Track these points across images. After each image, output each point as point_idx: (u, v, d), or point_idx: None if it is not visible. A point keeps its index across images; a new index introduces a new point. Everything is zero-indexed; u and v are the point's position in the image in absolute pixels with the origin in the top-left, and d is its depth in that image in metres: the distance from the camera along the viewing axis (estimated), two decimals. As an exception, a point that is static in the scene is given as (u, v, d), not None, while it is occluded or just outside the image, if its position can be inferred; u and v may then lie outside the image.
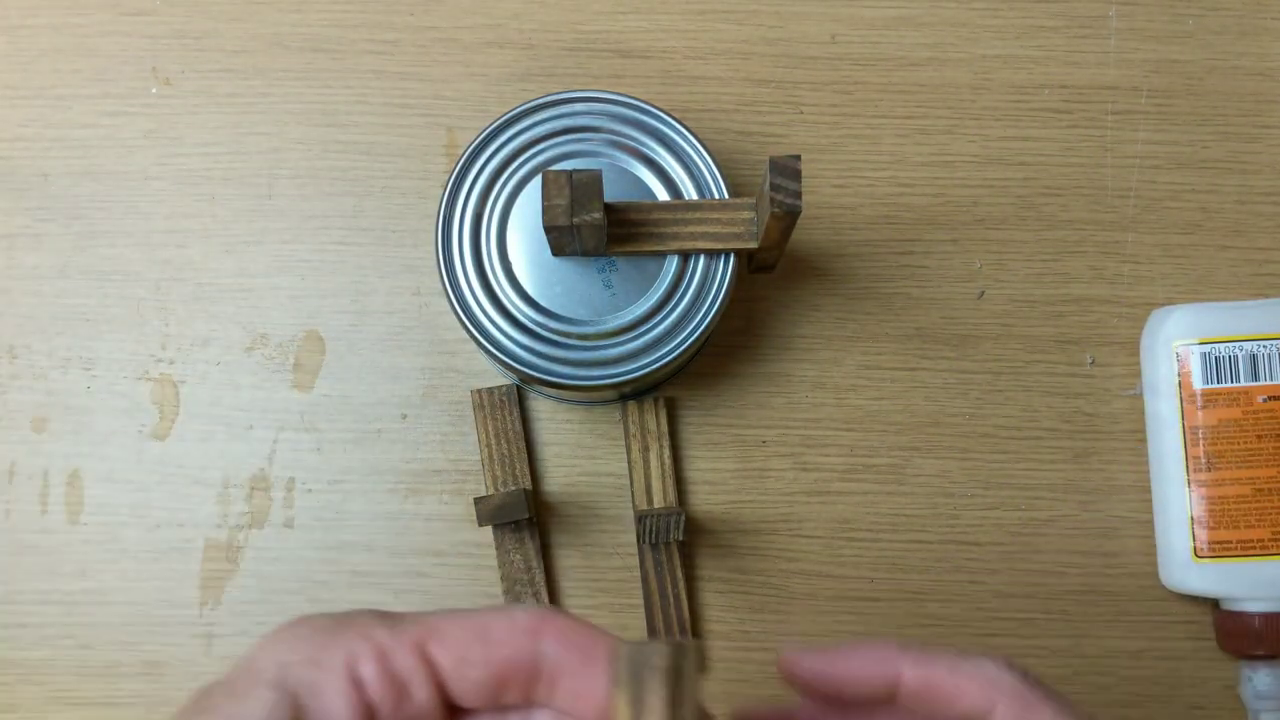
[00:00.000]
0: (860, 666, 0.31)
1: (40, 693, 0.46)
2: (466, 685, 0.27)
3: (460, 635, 0.26)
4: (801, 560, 0.47)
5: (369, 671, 0.26)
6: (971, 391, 0.48)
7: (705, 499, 0.47)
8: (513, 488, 0.43)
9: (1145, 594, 0.47)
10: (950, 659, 0.30)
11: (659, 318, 0.42)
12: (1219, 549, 0.44)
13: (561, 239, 0.40)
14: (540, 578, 0.46)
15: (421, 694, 0.26)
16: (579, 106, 0.43)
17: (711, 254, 0.42)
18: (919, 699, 0.30)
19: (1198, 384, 0.44)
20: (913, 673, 0.30)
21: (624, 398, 0.47)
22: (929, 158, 0.49)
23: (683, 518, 0.43)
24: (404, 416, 0.48)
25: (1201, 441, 0.44)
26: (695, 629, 0.47)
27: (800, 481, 0.47)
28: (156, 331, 0.48)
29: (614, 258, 0.42)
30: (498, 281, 0.42)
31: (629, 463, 0.47)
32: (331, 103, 0.49)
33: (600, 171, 0.38)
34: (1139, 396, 0.47)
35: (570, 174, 0.38)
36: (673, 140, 0.43)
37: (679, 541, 0.45)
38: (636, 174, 0.43)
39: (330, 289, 0.48)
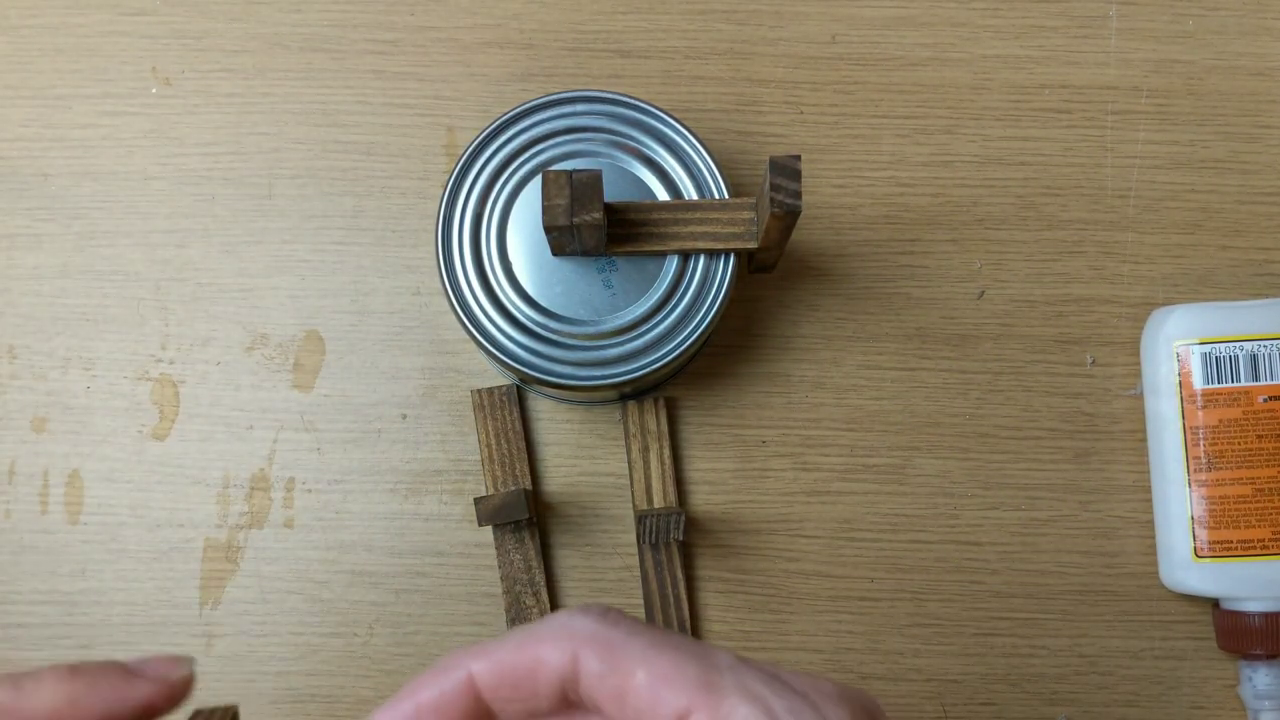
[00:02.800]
0: (426, 692, 0.26)
1: (40, 693, 0.46)
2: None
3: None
4: (801, 560, 0.47)
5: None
6: (971, 391, 0.48)
7: (705, 499, 0.47)
8: (513, 488, 0.43)
9: (1145, 594, 0.47)
10: (519, 631, 0.26)
11: (659, 318, 0.42)
12: (1219, 549, 0.44)
13: (561, 239, 0.40)
14: (540, 578, 0.46)
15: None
16: (579, 106, 0.43)
17: (711, 254, 0.42)
18: (504, 693, 0.26)
19: (1198, 384, 0.44)
20: (480, 667, 0.26)
21: (624, 398, 0.47)
22: (929, 158, 0.49)
23: (683, 518, 0.43)
24: (404, 416, 0.48)
25: (1202, 441, 0.44)
26: (695, 629, 0.47)
27: (800, 481, 0.47)
28: (156, 331, 0.48)
29: (614, 258, 0.42)
30: (498, 281, 0.42)
31: (629, 463, 0.47)
32: (331, 103, 0.49)
33: (600, 171, 0.38)
34: (1139, 396, 0.47)
35: (570, 174, 0.38)
36: (673, 140, 0.43)
37: (679, 541, 0.45)
38: (636, 174, 0.43)
39: (330, 289, 0.48)
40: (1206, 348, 0.45)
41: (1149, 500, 0.47)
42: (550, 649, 0.25)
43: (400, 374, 0.48)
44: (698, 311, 0.42)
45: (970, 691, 0.47)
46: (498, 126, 0.43)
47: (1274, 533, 0.44)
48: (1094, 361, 0.48)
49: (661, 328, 0.42)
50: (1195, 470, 0.44)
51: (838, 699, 0.25)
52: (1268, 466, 0.44)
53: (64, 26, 0.50)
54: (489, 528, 0.47)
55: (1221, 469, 0.44)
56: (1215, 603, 0.46)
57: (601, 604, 0.27)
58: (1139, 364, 0.47)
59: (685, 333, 0.42)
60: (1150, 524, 0.47)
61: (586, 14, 0.50)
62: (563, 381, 0.41)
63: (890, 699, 0.47)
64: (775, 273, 0.48)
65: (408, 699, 0.26)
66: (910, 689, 0.47)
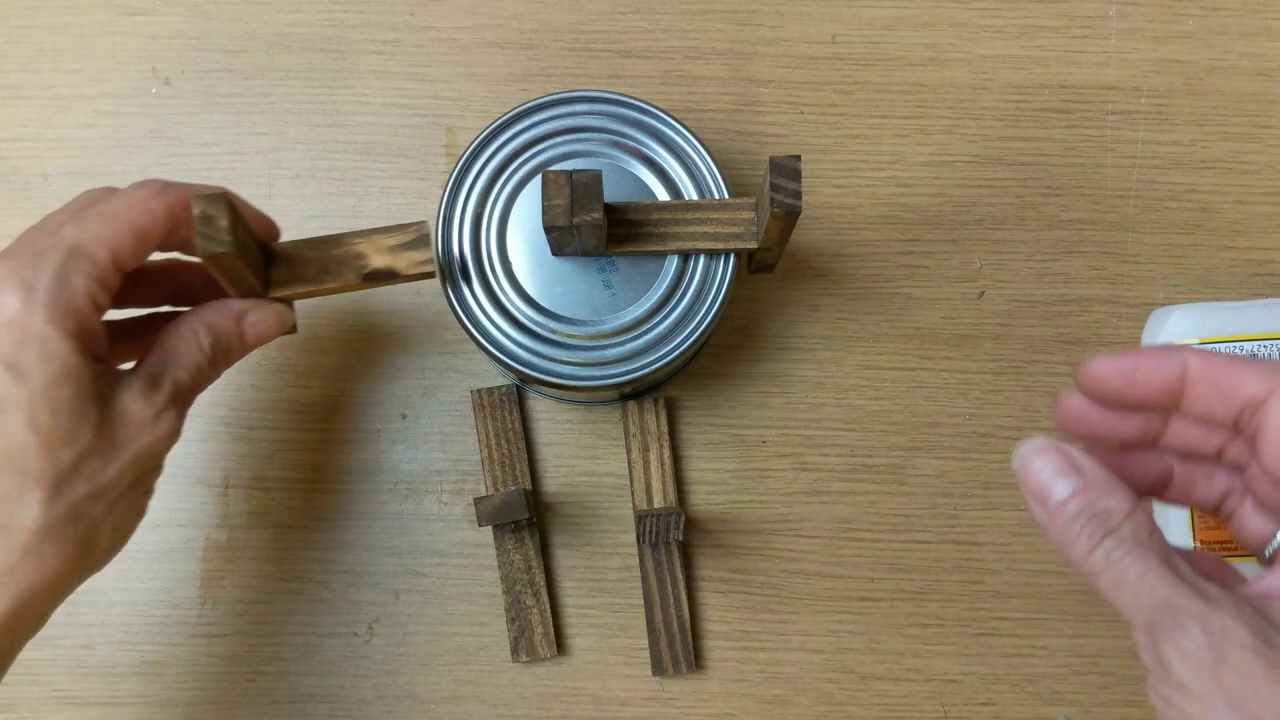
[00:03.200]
0: (1152, 362, 0.31)
1: (40, 692, 0.46)
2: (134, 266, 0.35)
3: (132, 243, 0.34)
4: (801, 560, 0.47)
5: (101, 299, 0.34)
6: (971, 391, 0.48)
7: (705, 499, 0.47)
8: (513, 488, 0.43)
9: (1145, 594, 0.47)
10: (1230, 355, 0.31)
11: (659, 318, 0.42)
12: (1219, 549, 0.44)
13: (561, 239, 0.40)
14: (540, 578, 0.46)
15: (116, 285, 0.35)
16: (579, 106, 0.43)
17: (711, 254, 0.42)
18: (1203, 388, 0.31)
19: (1198, 384, 0.44)
20: (1198, 364, 0.31)
21: (624, 398, 0.47)
22: (929, 158, 0.49)
23: (683, 518, 0.43)
24: (404, 416, 0.48)
25: (1201, 441, 0.44)
26: (695, 629, 0.47)
27: (800, 481, 0.47)
28: (156, 331, 0.48)
29: (614, 258, 0.42)
30: (498, 281, 0.42)
31: (629, 463, 0.47)
32: (331, 103, 0.49)
33: (600, 171, 0.38)
34: (1139, 396, 0.47)
35: (570, 174, 0.38)
36: (673, 140, 0.43)
37: (679, 541, 0.45)
38: (636, 174, 0.43)
39: (330, 289, 0.48)
40: (1206, 348, 0.44)
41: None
42: (1256, 379, 0.30)
43: (400, 374, 0.48)
44: (698, 311, 0.42)
45: (970, 691, 0.47)
46: (498, 126, 0.43)
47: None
48: (1094, 361, 0.48)
49: (661, 328, 0.42)
50: (1195, 470, 0.44)
51: None
52: (1268, 466, 0.44)
53: (64, 26, 0.50)
54: (489, 528, 0.47)
55: (1221, 469, 0.44)
56: (1215, 603, 0.45)
57: None
58: (1139, 364, 0.47)
59: (685, 333, 0.42)
60: (1150, 524, 0.47)
61: (586, 14, 0.50)
62: (563, 381, 0.41)
63: (890, 699, 0.47)
64: (775, 273, 0.48)
65: (1131, 359, 0.32)
66: (910, 689, 0.47)
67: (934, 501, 0.47)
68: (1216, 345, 0.44)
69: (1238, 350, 0.44)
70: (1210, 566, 0.32)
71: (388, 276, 0.39)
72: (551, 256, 0.42)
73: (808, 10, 0.50)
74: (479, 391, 0.47)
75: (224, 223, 0.34)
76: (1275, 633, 0.27)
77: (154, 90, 0.50)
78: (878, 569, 0.47)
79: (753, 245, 0.41)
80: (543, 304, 0.42)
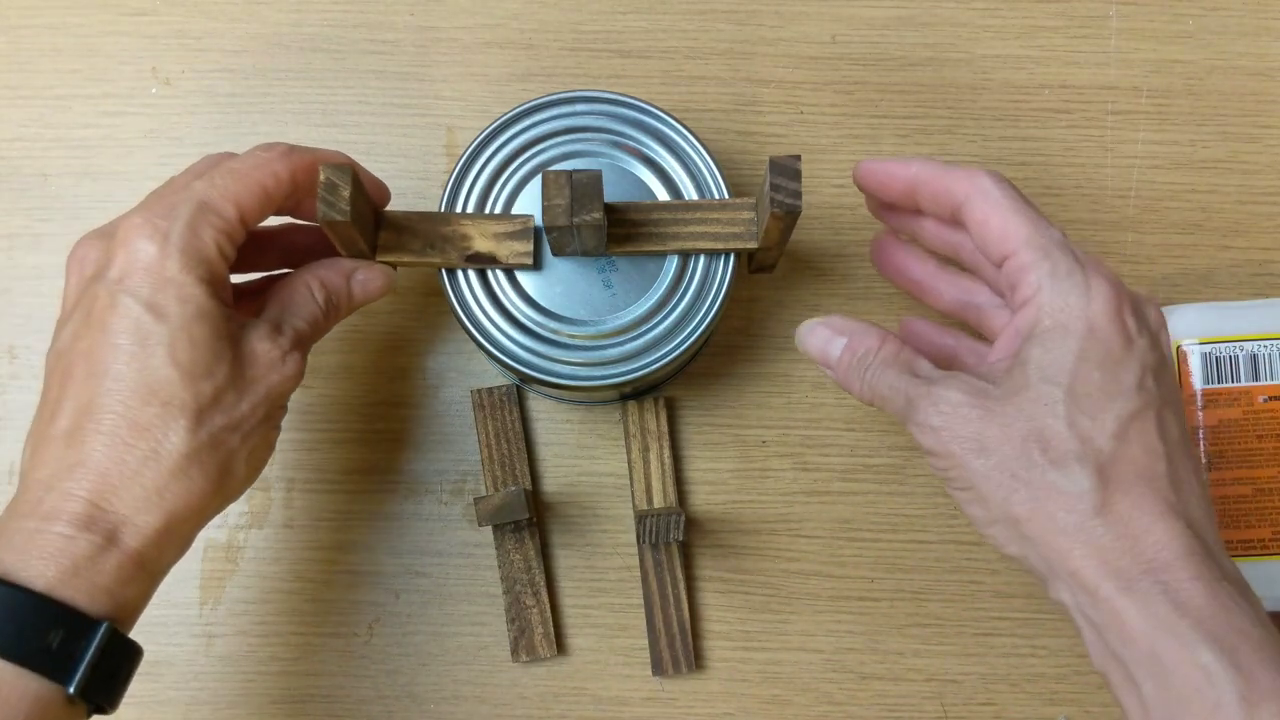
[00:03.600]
0: (893, 168, 0.39)
1: (40, 693, 0.46)
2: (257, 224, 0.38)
3: (256, 203, 0.37)
4: (801, 560, 0.47)
5: (229, 250, 0.37)
6: (971, 391, 0.48)
7: (705, 499, 0.47)
8: (513, 488, 0.43)
9: (1145, 594, 0.47)
10: (951, 165, 0.38)
11: (659, 318, 0.42)
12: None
13: (561, 239, 0.40)
14: (540, 578, 0.46)
15: (242, 241, 0.38)
16: (579, 106, 0.43)
17: (711, 254, 0.42)
18: (925, 193, 0.38)
19: (1198, 384, 0.44)
20: (921, 171, 0.38)
21: (624, 398, 0.47)
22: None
23: (683, 518, 0.43)
24: (404, 417, 0.48)
25: (1202, 442, 0.44)
26: (695, 629, 0.47)
27: (800, 481, 0.47)
28: (156, 331, 0.48)
29: (614, 258, 0.42)
30: (498, 281, 0.42)
31: (629, 463, 0.47)
32: (331, 103, 0.49)
33: (600, 171, 0.38)
34: (1139, 396, 0.47)
35: (570, 174, 0.38)
36: (673, 140, 0.43)
37: (679, 541, 0.45)
38: (636, 174, 0.43)
39: (330, 289, 0.48)
40: (1206, 348, 0.45)
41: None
42: (963, 183, 0.37)
43: (400, 374, 0.48)
44: (698, 311, 0.42)
45: (970, 691, 0.47)
46: (498, 126, 0.43)
47: (1274, 533, 0.44)
48: (1094, 361, 0.48)
49: (661, 328, 0.42)
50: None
51: (1105, 275, 0.35)
52: (1268, 466, 0.44)
53: (64, 26, 0.50)
54: (489, 528, 0.47)
55: (1222, 469, 0.44)
56: (1215, 603, 0.45)
57: (1005, 178, 0.37)
58: (1139, 364, 0.47)
59: (685, 333, 0.42)
60: (1150, 524, 0.47)
61: (586, 14, 0.50)
62: (563, 381, 0.41)
63: (890, 699, 0.47)
64: (775, 273, 0.48)
65: (880, 165, 0.40)
66: (910, 689, 0.47)
67: (934, 501, 0.47)
68: (1216, 345, 0.44)
69: (1238, 350, 0.44)
70: (951, 358, 0.42)
71: (488, 260, 0.41)
72: (552, 256, 0.42)
73: (808, 10, 0.50)
74: (479, 391, 0.47)
75: (346, 192, 0.36)
76: (989, 385, 0.35)
77: (154, 90, 0.50)
78: (878, 569, 0.47)
79: (753, 245, 0.41)
80: (543, 304, 0.42)
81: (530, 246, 0.41)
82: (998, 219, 0.36)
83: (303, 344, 0.39)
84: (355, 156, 0.49)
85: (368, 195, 0.40)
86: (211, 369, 0.35)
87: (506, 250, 0.41)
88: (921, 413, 0.35)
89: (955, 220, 0.38)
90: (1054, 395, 0.33)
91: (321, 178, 0.36)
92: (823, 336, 0.39)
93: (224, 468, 0.36)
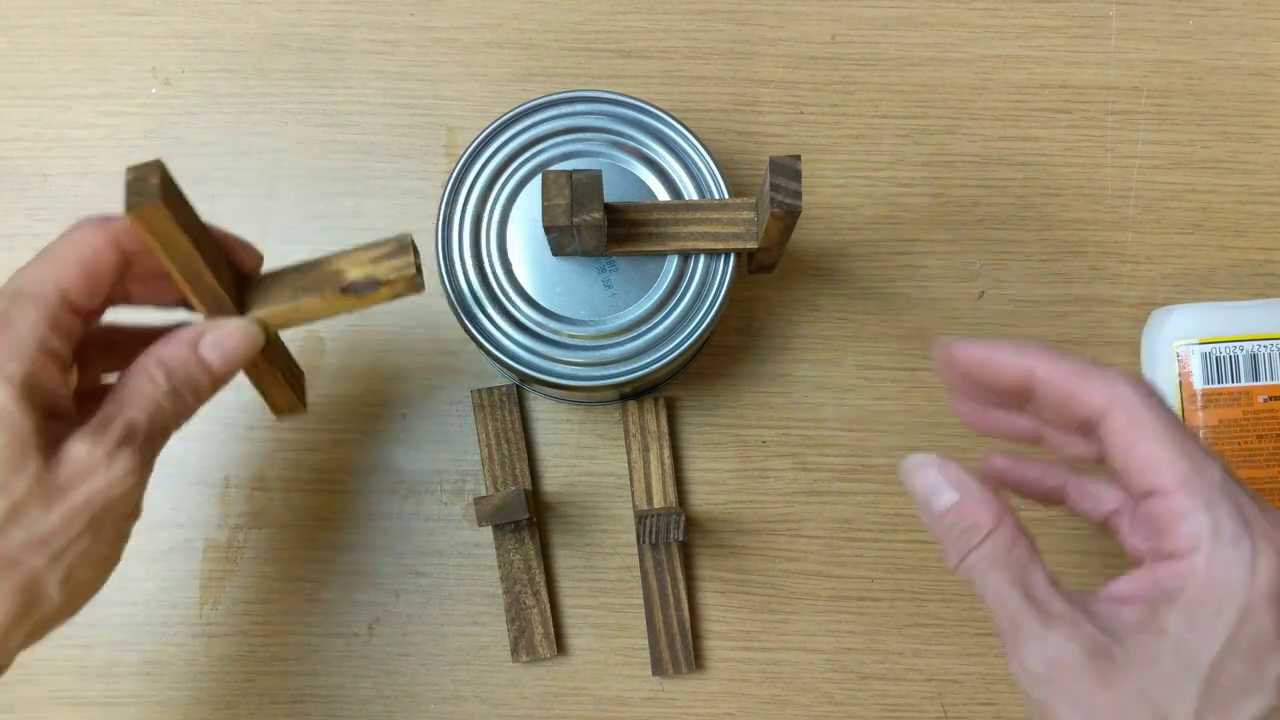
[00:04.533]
0: (1004, 357, 0.33)
1: (39, 692, 0.46)
2: (95, 305, 0.34)
3: (79, 278, 0.34)
4: (801, 560, 0.47)
5: (55, 344, 0.33)
6: (971, 391, 0.48)
7: (705, 499, 0.47)
8: (513, 488, 0.43)
9: (1145, 594, 0.47)
10: (1082, 361, 0.32)
11: (659, 318, 0.42)
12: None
13: (561, 239, 0.40)
14: (540, 578, 0.46)
15: (75, 329, 0.34)
16: (579, 106, 0.43)
17: (711, 254, 0.42)
18: (1049, 392, 0.32)
19: (1198, 384, 0.44)
20: (1045, 369, 0.32)
21: (624, 398, 0.47)
22: (929, 158, 0.49)
23: (683, 518, 0.43)
24: (404, 416, 0.48)
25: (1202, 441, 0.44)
26: (695, 629, 0.47)
27: (800, 481, 0.47)
28: (156, 331, 0.48)
29: (614, 258, 0.42)
30: (498, 281, 0.42)
31: (629, 463, 0.47)
32: (331, 103, 0.49)
33: (600, 171, 0.38)
34: (1139, 396, 0.47)
35: (570, 174, 0.38)
36: (673, 140, 0.43)
37: (679, 541, 0.45)
38: (636, 174, 0.43)
39: (330, 289, 0.48)
40: (1206, 348, 0.45)
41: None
42: (1098, 390, 0.31)
43: (400, 374, 0.48)
44: (698, 311, 0.42)
45: (970, 691, 0.47)
46: (498, 126, 0.43)
47: (1274, 533, 0.44)
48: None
49: (661, 328, 0.42)
50: (1195, 470, 0.44)
51: (1274, 544, 0.29)
52: (1268, 466, 0.44)
53: (64, 26, 0.50)
54: (489, 528, 0.46)
55: (1221, 469, 0.44)
56: (1215, 603, 0.45)
57: (1145, 382, 0.32)
58: (1139, 364, 0.47)
59: (685, 333, 0.42)
60: (1150, 524, 0.47)
61: (586, 14, 0.50)
62: (563, 381, 0.41)
63: (890, 699, 0.47)
64: (775, 273, 0.48)
65: (987, 351, 0.33)
66: (910, 689, 0.47)
67: (934, 501, 0.47)
68: (1216, 345, 0.44)
69: (1238, 350, 0.44)
70: (1057, 496, 0.36)
71: (368, 286, 0.36)
72: (551, 256, 0.42)
73: (808, 10, 0.50)
74: (479, 391, 0.47)
75: (155, 180, 0.32)
76: (1112, 641, 0.30)
77: (154, 90, 0.50)
78: (878, 569, 0.47)
79: (753, 245, 0.41)
80: (543, 304, 0.42)
81: (411, 260, 0.36)
82: (1147, 446, 0.30)
83: (136, 437, 0.33)
84: (355, 156, 0.49)
85: (202, 223, 0.35)
86: (8, 482, 0.31)
87: (385, 269, 0.36)
88: (1027, 653, 0.30)
89: (1081, 429, 0.33)
90: (1188, 684, 0.28)
91: (128, 177, 0.32)
92: (931, 481, 0.34)
93: (25, 589, 0.31)
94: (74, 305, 0.33)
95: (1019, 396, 0.33)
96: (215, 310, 0.36)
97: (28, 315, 0.32)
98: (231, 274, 0.37)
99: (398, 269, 0.36)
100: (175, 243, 0.33)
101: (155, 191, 0.32)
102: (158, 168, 0.32)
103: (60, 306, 0.33)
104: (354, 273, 0.36)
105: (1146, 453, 0.30)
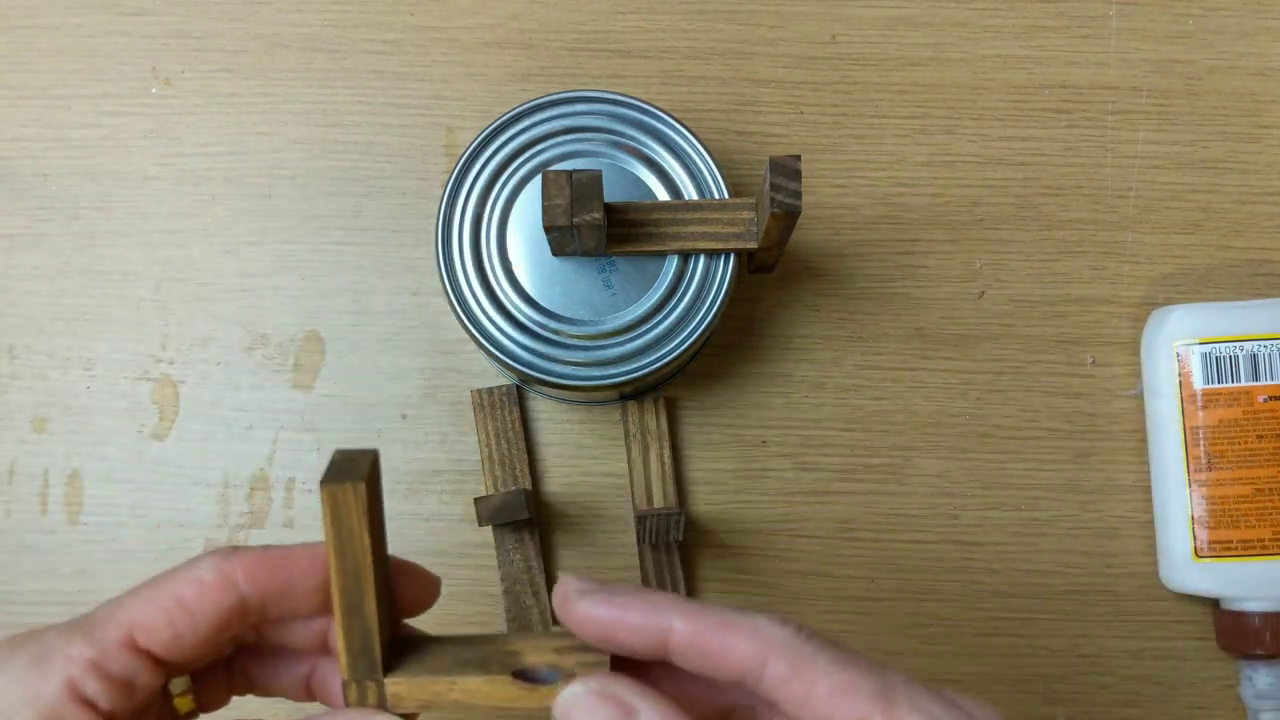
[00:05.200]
0: (633, 618, 0.28)
1: (40, 693, 0.46)
2: (188, 652, 0.29)
3: (160, 617, 0.29)
4: (801, 560, 0.47)
5: (94, 689, 0.28)
6: (971, 391, 0.48)
7: (705, 499, 0.47)
8: (513, 488, 0.43)
9: (1145, 594, 0.47)
10: (722, 613, 0.28)
11: (659, 318, 0.42)
12: (1219, 549, 0.44)
13: (561, 239, 0.40)
14: (540, 578, 0.46)
15: (146, 679, 0.29)
16: (579, 106, 0.43)
17: (711, 254, 0.42)
18: (691, 656, 0.28)
19: (1198, 384, 0.44)
20: (683, 626, 0.28)
21: (624, 398, 0.47)
22: (929, 158, 0.49)
23: (683, 518, 0.43)
24: (404, 416, 0.48)
25: (1202, 441, 0.44)
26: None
27: (800, 481, 0.47)
28: (156, 331, 0.48)
29: (614, 258, 0.42)
30: (498, 281, 0.42)
31: (629, 463, 0.47)
32: (331, 103, 0.49)
33: (600, 171, 0.38)
34: (1139, 397, 0.47)
35: (570, 174, 0.38)
36: (673, 140, 0.43)
37: (679, 541, 0.45)
38: (636, 174, 0.43)
39: (330, 289, 0.48)
40: (1206, 348, 0.45)
41: (1149, 500, 0.47)
42: (747, 644, 0.28)
43: (400, 374, 0.48)
44: (698, 311, 0.42)
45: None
46: (498, 126, 0.43)
47: (1274, 533, 0.44)
48: (1094, 361, 0.48)
49: (661, 328, 0.42)
50: (1195, 470, 0.44)
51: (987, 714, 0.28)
52: (1268, 466, 0.44)
53: (64, 26, 0.50)
54: (489, 528, 0.46)
55: (1221, 469, 0.44)
56: (1215, 603, 0.45)
57: (793, 619, 0.29)
58: (1139, 364, 0.47)
59: (685, 333, 0.42)
60: (1150, 524, 0.47)
61: (586, 14, 0.50)
62: (563, 381, 0.41)
63: (890, 699, 0.47)
64: (775, 273, 0.48)
65: (617, 609, 0.29)
66: (910, 689, 0.47)
67: (934, 501, 0.47)
68: (1216, 345, 0.44)
69: (1238, 350, 0.44)
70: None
71: (548, 677, 0.30)
72: (551, 256, 0.42)
73: (808, 10, 0.50)
74: (479, 391, 0.47)
75: (366, 464, 0.29)
76: None
77: (154, 90, 0.50)
78: (878, 569, 0.47)
79: (753, 245, 0.41)
80: (543, 304, 0.42)
81: (605, 657, 0.30)
82: (826, 681, 0.27)
83: None
84: (355, 157, 0.49)
85: (384, 528, 0.31)
86: None
87: (573, 661, 0.30)
88: None
89: (743, 686, 0.28)
90: None
91: (335, 456, 0.29)
92: (600, 717, 0.28)
93: None
94: (145, 649, 0.29)
95: (660, 657, 0.29)
96: (356, 663, 0.30)
97: (63, 656, 0.28)
98: (390, 618, 0.32)
99: (586, 663, 0.30)
100: (353, 542, 0.29)
101: (363, 474, 0.29)
102: (372, 455, 0.30)
103: (120, 649, 0.28)
104: (533, 658, 0.31)
105: (830, 686, 0.27)
